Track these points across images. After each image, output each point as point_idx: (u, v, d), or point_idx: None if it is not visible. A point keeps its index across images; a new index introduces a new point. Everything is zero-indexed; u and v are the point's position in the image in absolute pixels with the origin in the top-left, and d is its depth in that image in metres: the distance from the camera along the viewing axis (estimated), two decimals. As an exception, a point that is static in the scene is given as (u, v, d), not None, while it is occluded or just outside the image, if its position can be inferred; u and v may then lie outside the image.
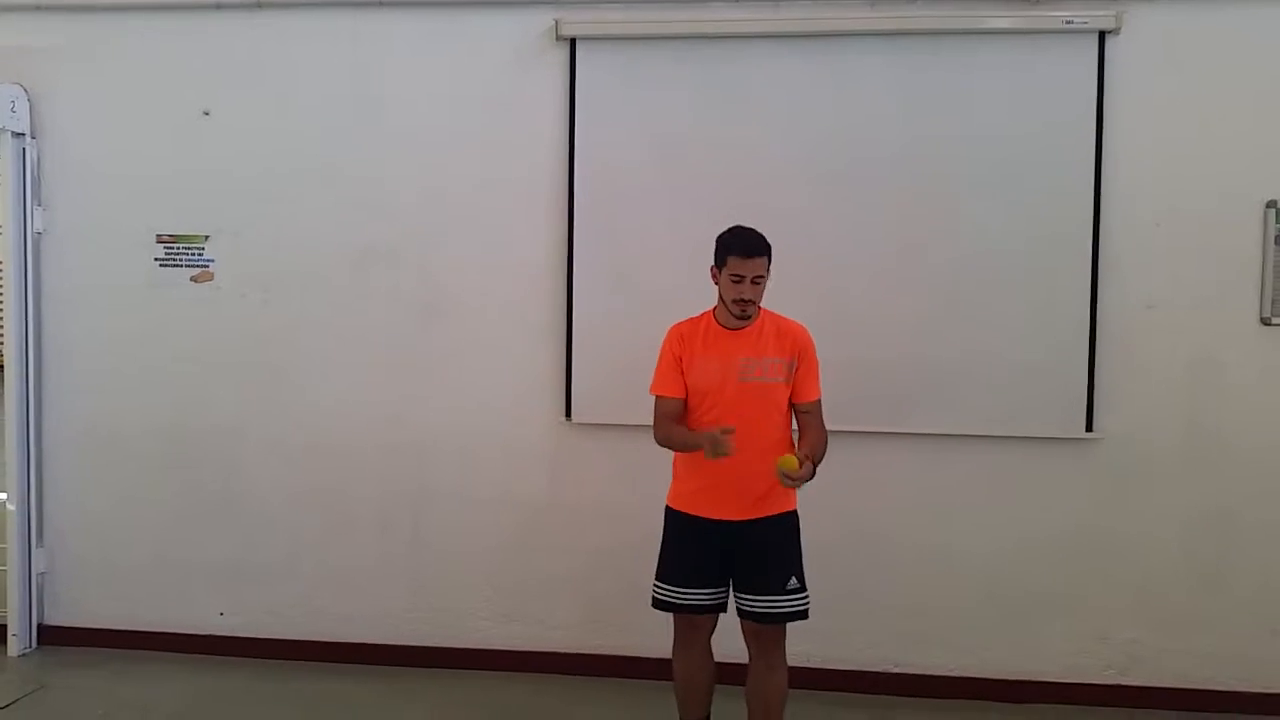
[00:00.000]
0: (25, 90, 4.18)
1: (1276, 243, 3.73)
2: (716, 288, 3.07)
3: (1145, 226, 3.78)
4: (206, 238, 4.18)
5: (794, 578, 3.04)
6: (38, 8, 4.18)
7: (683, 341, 3.11)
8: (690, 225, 3.87)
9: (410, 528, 4.14)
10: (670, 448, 3.11)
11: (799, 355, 3.05)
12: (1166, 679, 3.83)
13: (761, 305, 3.06)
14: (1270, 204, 3.73)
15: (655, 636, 3.73)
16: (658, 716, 3.59)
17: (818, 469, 2.93)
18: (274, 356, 4.18)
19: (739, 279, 2.97)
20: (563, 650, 4.07)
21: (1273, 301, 3.74)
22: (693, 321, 3.15)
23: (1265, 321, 3.75)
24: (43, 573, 4.33)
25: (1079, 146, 3.75)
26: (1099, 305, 3.77)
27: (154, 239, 4.20)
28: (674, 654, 3.17)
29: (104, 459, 4.29)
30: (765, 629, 3.03)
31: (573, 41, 3.91)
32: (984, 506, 3.91)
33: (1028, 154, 3.78)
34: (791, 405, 3.08)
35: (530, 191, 4.01)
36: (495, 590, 4.11)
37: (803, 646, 3.93)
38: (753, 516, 3.02)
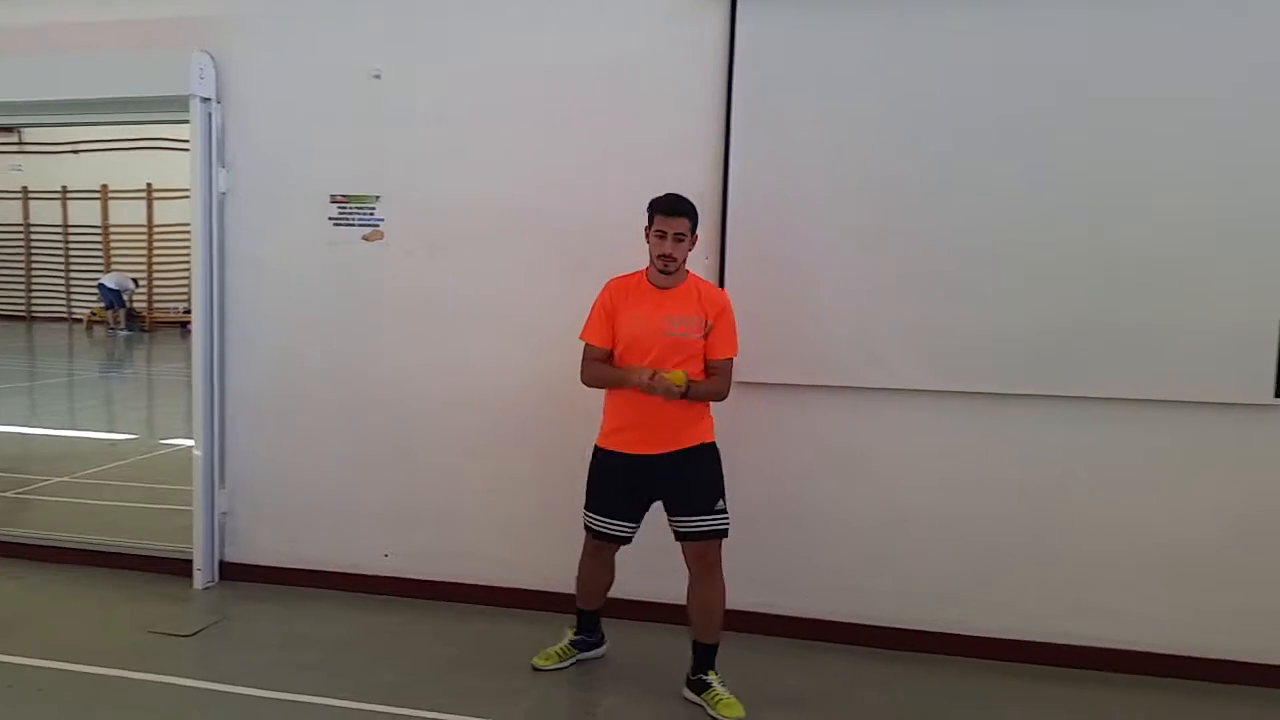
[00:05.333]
0: (212, 57, 4.41)
1: None
2: (648, 246, 3.40)
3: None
4: (377, 198, 4.35)
5: (720, 499, 3.42)
6: (223, -23, 4.42)
7: (615, 295, 3.47)
8: (852, 183, 3.85)
9: (567, 478, 4.21)
10: (601, 386, 3.50)
11: (716, 316, 3.40)
12: (1356, 665, 3.60)
13: (691, 271, 3.45)
14: None
15: (800, 598, 3.79)
16: (812, 676, 3.60)
17: (694, 400, 3.36)
18: (440, 313, 4.32)
19: (662, 235, 3.34)
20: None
21: None
22: (627, 278, 3.51)
23: None
24: (224, 513, 4.63)
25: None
26: (1293, 265, 3.54)
27: (328, 199, 4.39)
28: (582, 561, 3.70)
29: (282, 409, 4.54)
30: (707, 548, 3.41)
31: (734, -7, 3.88)
32: (1161, 474, 3.75)
33: (1228, 109, 3.56)
34: (705, 359, 3.41)
35: (686, 148, 4.01)
36: (645, 544, 4.15)
37: (960, 614, 3.91)
38: (671, 449, 3.40)
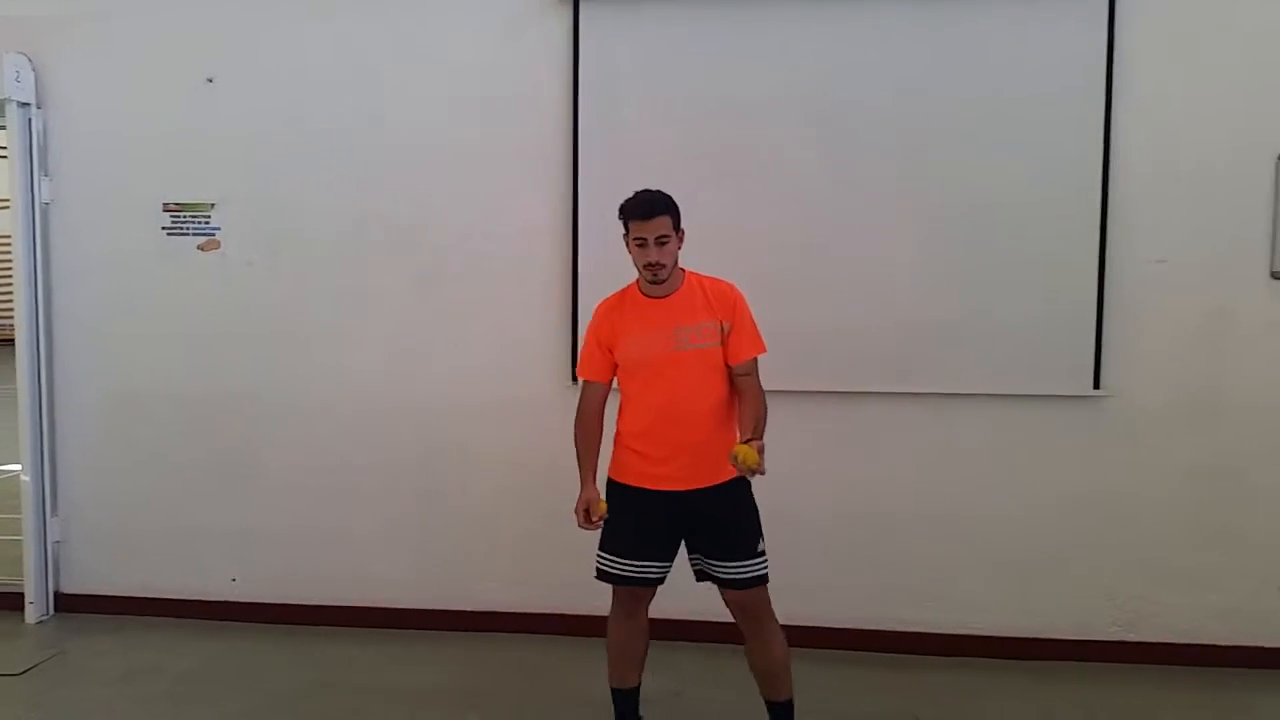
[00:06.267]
0: (30, 60, 4.18)
1: (1287, 196, 3.69)
2: (632, 258, 2.99)
3: (1155, 181, 3.74)
4: (212, 205, 4.18)
5: (760, 540, 2.99)
6: (41, -24, 4.18)
7: (607, 319, 3.04)
8: (697, 184, 3.87)
9: (419, 492, 4.16)
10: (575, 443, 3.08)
11: (731, 313, 2.95)
12: (1173, 635, 3.84)
13: (686, 270, 3.02)
14: (1281, 157, 3.69)
15: (664, 597, 3.79)
16: (673, 676, 3.64)
17: (758, 437, 2.85)
18: (282, 324, 4.19)
19: (642, 243, 2.89)
20: (570, 612, 4.08)
21: (1283, 255, 3.71)
22: (618, 295, 3.08)
23: (1276, 275, 3.72)
24: (58, 541, 4.38)
25: (1088, 100, 3.72)
26: (1107, 260, 3.75)
27: (160, 207, 4.21)
28: (612, 623, 3.09)
29: (117, 428, 4.33)
30: (749, 598, 2.97)
31: (575, 0, 3.89)
32: (989, 465, 3.91)
33: (1036, 108, 3.75)
34: (727, 366, 2.96)
35: (534, 154, 4.00)
36: (502, 553, 4.14)
37: (807, 607, 3.98)
38: (706, 485, 2.93)
